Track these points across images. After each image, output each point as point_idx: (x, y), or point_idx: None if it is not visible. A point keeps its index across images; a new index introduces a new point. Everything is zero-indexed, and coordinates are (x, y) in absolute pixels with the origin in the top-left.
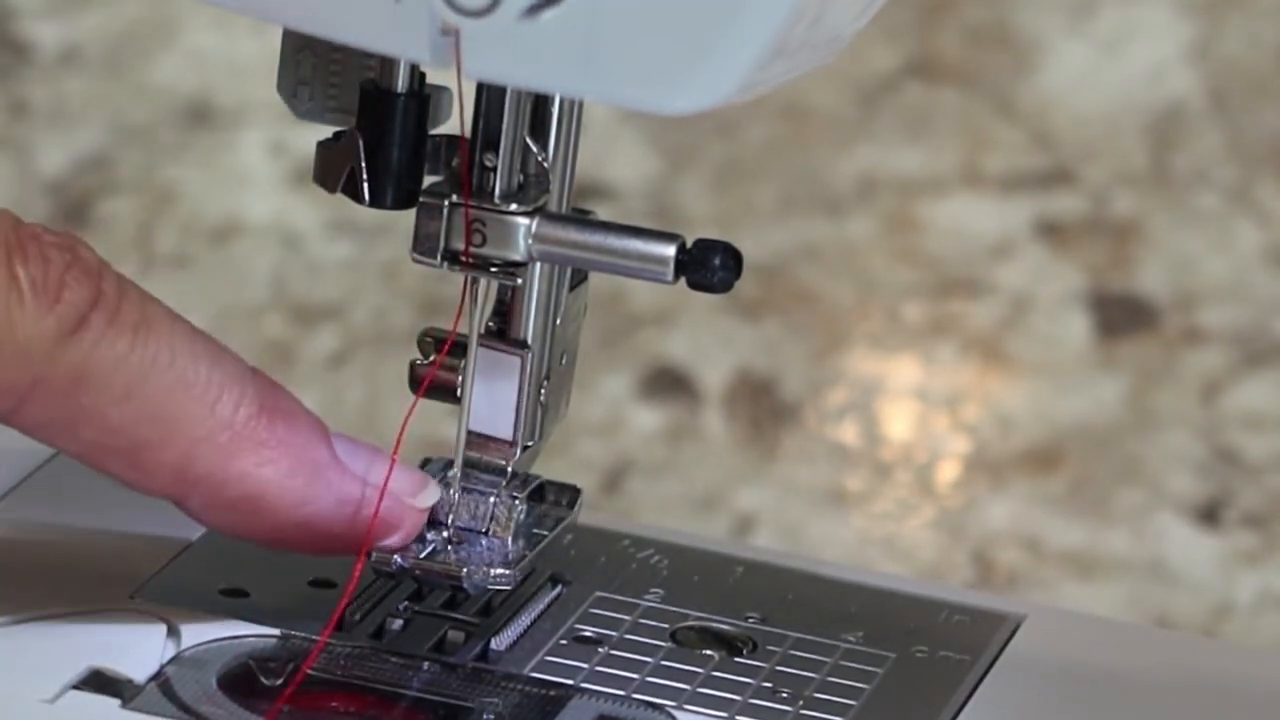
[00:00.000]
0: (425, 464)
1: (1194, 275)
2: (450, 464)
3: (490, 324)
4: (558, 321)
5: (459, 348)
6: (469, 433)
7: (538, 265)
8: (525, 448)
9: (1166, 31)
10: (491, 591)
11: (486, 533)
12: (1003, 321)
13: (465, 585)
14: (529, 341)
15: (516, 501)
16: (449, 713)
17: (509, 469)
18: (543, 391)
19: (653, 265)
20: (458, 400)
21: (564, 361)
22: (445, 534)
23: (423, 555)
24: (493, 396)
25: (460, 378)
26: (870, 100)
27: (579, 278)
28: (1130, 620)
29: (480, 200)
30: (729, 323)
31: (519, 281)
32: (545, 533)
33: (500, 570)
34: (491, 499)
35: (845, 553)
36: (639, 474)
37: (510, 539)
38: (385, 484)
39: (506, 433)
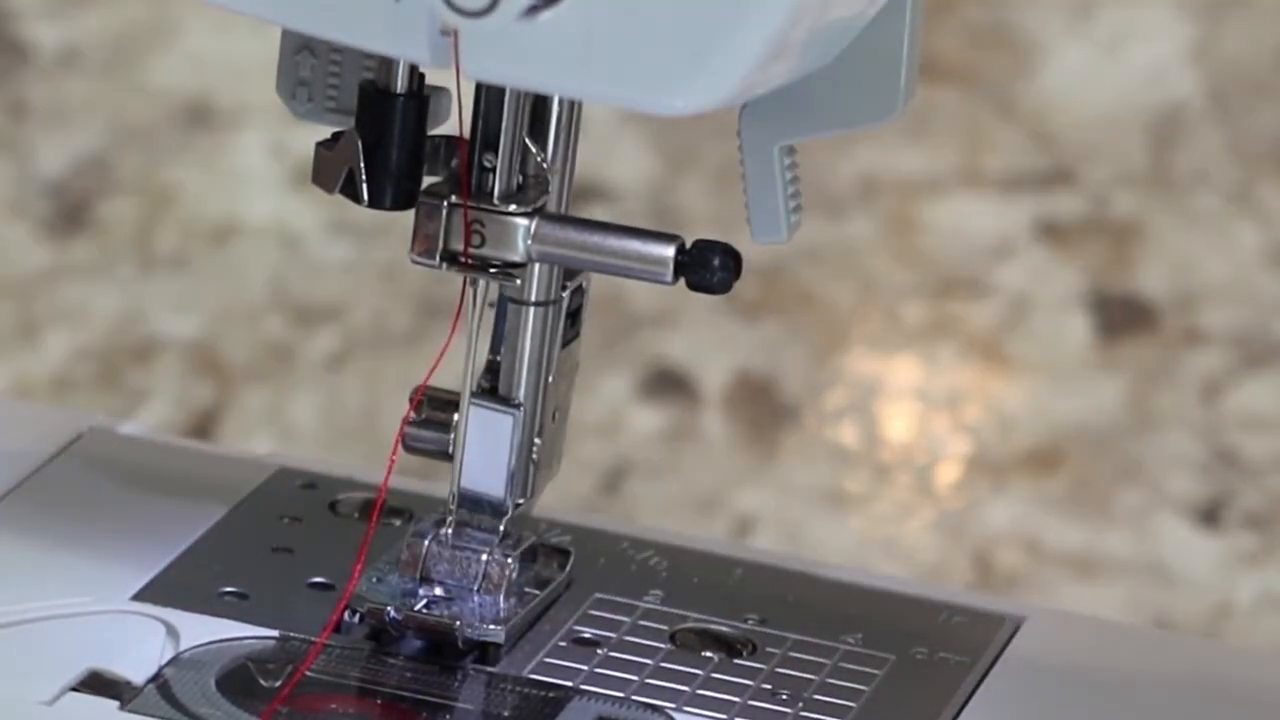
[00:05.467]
0: (415, 521)
1: (1194, 275)
2: (441, 521)
3: (482, 382)
4: (549, 379)
5: (449, 405)
6: (461, 490)
7: (531, 319)
8: (517, 505)
9: (1166, 31)
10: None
11: (478, 590)
12: (1003, 322)
13: (457, 640)
14: (521, 400)
15: (509, 560)
16: (448, 714)
17: (501, 527)
18: (535, 449)
19: (652, 266)
20: (450, 459)
21: (555, 419)
22: (438, 590)
23: (416, 609)
24: (485, 455)
25: (453, 436)
26: None
27: (570, 335)
28: (1130, 621)
29: (479, 201)
30: (729, 323)
31: (518, 282)
32: (536, 592)
33: (491, 626)
34: (484, 557)
35: (845, 554)
36: (639, 475)
37: (502, 596)
38: (385, 484)
39: (499, 491)
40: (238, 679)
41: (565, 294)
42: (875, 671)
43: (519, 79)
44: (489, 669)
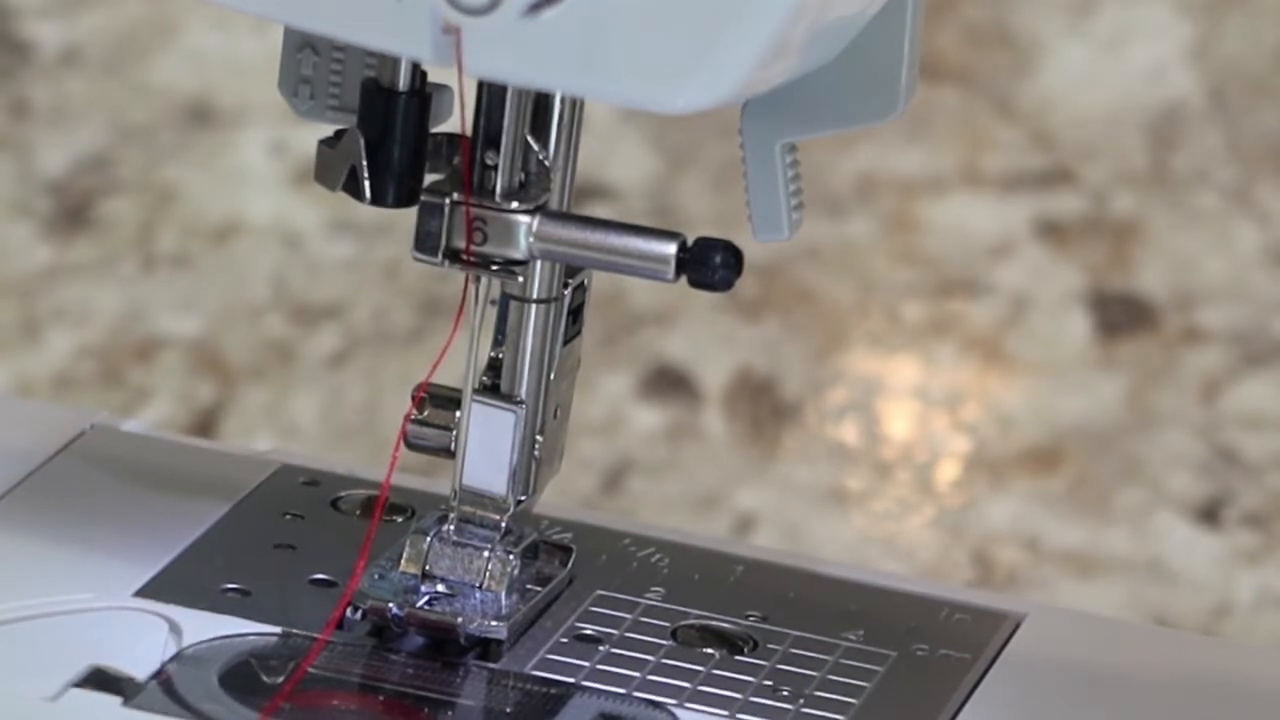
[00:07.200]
0: (417, 518)
1: (1194, 275)
2: (443, 518)
3: (484, 379)
4: (551, 376)
5: (451, 402)
6: (463, 487)
7: (533, 316)
8: (519, 502)
9: (1166, 31)
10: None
11: (480, 586)
12: (1003, 321)
13: (460, 637)
14: (523, 397)
15: (511, 557)
16: (450, 711)
17: (503, 524)
18: (536, 446)
19: (654, 263)
20: (452, 456)
21: (557, 416)
22: (440, 586)
23: (418, 605)
24: (487, 452)
25: (454, 433)
26: None
27: (571, 333)
28: (1130, 619)
29: (481, 198)
30: (729, 322)
31: (520, 279)
32: (538, 588)
33: (494, 623)
34: (486, 553)
35: (845, 552)
36: (639, 473)
37: (504, 593)
38: (386, 482)
39: (501, 488)
40: (240, 675)
41: (567, 291)
42: (876, 668)
43: (521, 77)
44: (491, 665)
